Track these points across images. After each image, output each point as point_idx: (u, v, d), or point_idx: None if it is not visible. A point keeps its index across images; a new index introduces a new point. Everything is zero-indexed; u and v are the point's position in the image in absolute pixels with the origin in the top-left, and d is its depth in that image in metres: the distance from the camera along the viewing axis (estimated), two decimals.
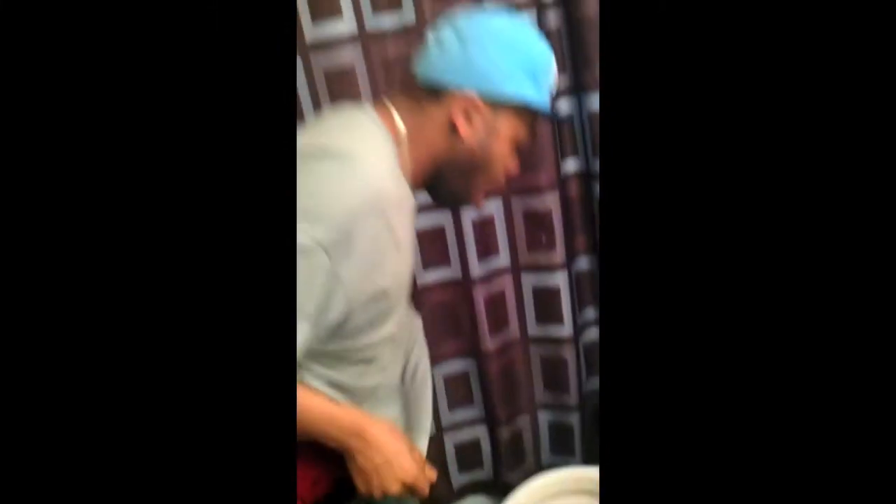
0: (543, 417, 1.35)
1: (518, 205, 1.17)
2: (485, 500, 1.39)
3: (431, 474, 0.74)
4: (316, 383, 0.68)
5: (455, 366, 1.28)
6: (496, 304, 1.24)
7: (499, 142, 0.69)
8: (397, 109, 0.68)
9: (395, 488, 0.69)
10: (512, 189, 1.16)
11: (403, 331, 0.78)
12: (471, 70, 0.66)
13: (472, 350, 1.26)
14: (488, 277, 1.21)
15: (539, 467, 1.36)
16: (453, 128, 0.67)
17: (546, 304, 1.25)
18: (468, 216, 1.16)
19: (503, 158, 0.70)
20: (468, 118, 0.66)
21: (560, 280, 1.21)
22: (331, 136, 0.65)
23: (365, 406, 0.72)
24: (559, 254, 1.19)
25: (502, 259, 1.23)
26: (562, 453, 1.37)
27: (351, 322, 0.64)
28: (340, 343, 0.66)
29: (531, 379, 1.32)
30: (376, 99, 1.05)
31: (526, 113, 0.69)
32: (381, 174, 0.62)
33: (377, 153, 0.64)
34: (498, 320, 1.25)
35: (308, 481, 0.72)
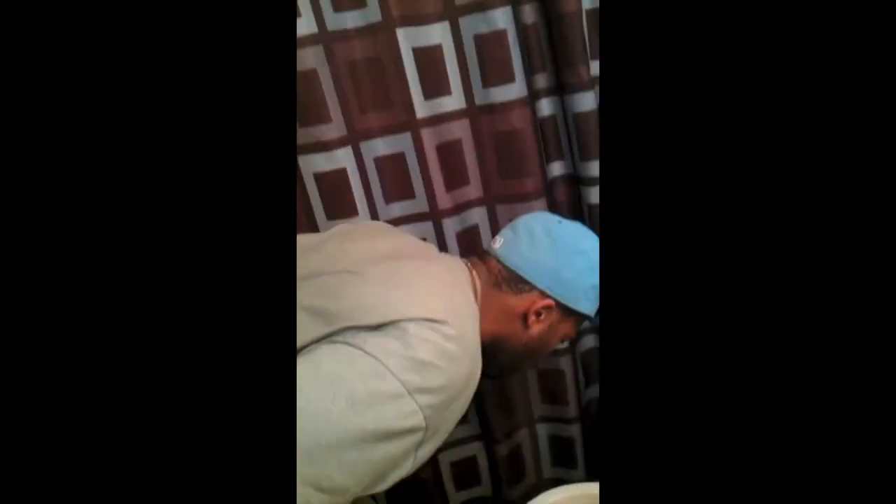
0: (542, 431, 1.29)
1: (504, 213, 1.10)
2: None
3: None
4: None
5: None
6: None
7: (554, 338, 0.78)
8: (475, 277, 0.74)
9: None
10: (497, 198, 1.08)
11: None
12: (558, 279, 0.73)
13: None
14: None
15: (540, 481, 1.30)
16: (525, 319, 0.74)
17: None
18: (451, 225, 1.09)
19: (550, 349, 0.82)
20: (539, 316, 0.74)
21: None
22: (447, 298, 0.66)
23: None
24: None
25: None
26: (563, 466, 1.31)
27: None
28: None
29: (528, 392, 1.26)
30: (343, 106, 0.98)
31: (581, 320, 0.79)
32: (478, 352, 0.67)
33: (476, 330, 0.67)
34: None
35: None
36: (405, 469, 0.60)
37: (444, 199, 1.06)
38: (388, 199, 1.06)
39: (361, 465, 0.55)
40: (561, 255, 0.74)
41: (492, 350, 0.72)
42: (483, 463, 1.29)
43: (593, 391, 1.26)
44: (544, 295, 0.73)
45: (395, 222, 1.05)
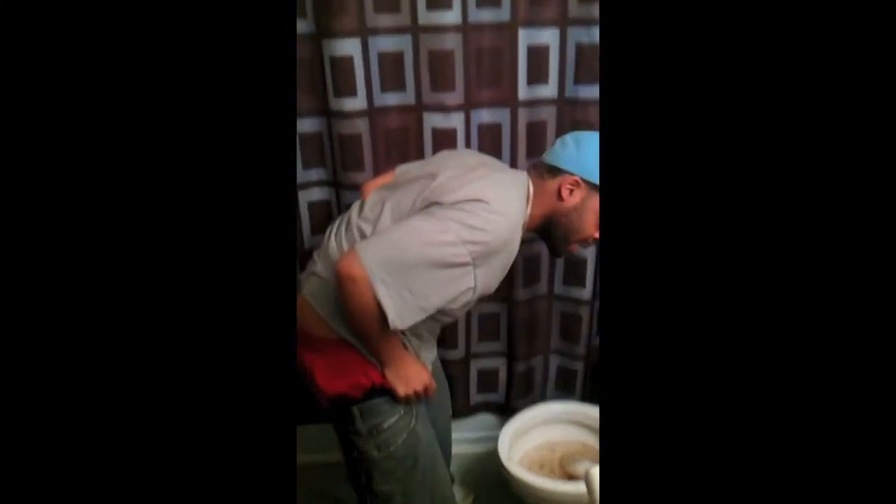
0: (554, 360, 1.63)
1: None
2: (493, 419, 1.69)
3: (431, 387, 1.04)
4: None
5: (489, 307, 1.54)
6: (531, 264, 1.48)
7: (588, 213, 0.99)
8: (531, 178, 1.02)
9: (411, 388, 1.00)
10: None
11: None
12: (579, 162, 0.98)
13: (505, 297, 1.51)
14: (528, 243, 1.45)
15: (543, 399, 1.64)
16: (559, 195, 0.98)
17: (572, 270, 1.49)
18: None
19: (590, 226, 1.00)
20: (570, 191, 0.98)
21: (587, 252, 1.45)
22: (499, 191, 0.95)
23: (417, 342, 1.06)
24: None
25: None
26: (564, 392, 1.64)
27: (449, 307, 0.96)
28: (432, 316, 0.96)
29: (550, 328, 1.58)
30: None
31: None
32: (517, 226, 0.95)
33: (519, 213, 0.96)
34: (531, 277, 1.50)
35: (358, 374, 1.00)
36: (461, 290, 0.91)
37: (523, 164, 1.37)
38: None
39: (433, 282, 0.89)
40: (581, 147, 0.98)
41: (545, 227, 1.01)
42: (502, 376, 1.63)
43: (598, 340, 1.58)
44: (571, 175, 0.97)
45: None
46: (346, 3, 1.18)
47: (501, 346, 1.59)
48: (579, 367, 1.59)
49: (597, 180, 0.97)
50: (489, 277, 0.94)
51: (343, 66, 1.23)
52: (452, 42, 1.23)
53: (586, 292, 1.49)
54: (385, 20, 1.22)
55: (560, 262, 1.50)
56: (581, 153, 0.98)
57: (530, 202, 0.99)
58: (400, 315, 0.88)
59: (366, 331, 0.93)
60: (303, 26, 1.23)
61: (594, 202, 0.98)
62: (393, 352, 0.97)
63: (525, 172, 1.04)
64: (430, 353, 1.10)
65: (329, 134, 1.33)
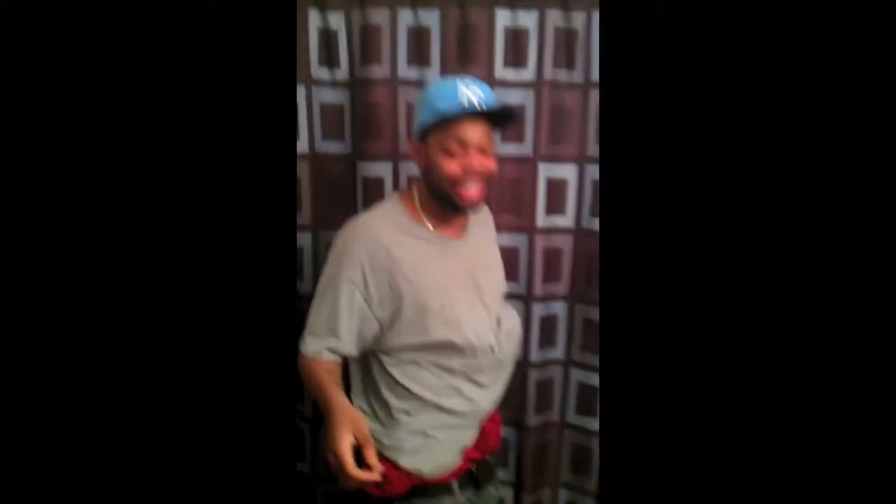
0: (563, 495, 1.55)
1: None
2: None
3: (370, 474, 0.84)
4: None
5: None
6: (543, 389, 1.46)
7: (438, 157, 0.95)
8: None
9: (330, 458, 0.85)
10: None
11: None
12: (412, 129, 1.01)
13: (516, 422, 1.47)
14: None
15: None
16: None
17: (584, 398, 1.46)
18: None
19: (448, 165, 0.94)
20: (415, 153, 1.00)
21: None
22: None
23: None
24: None
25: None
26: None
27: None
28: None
29: (559, 458, 1.52)
30: None
31: (441, 129, 0.94)
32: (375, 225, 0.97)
33: (369, 221, 0.98)
34: (542, 404, 1.47)
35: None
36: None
37: (540, 290, 1.39)
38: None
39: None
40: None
41: (433, 194, 0.98)
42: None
43: None
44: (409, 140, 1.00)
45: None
46: (381, 130, 1.30)
47: (509, 475, 1.53)
48: (590, 503, 1.50)
49: (416, 129, 0.98)
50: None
51: (374, 186, 1.32)
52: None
53: (598, 422, 1.45)
54: None
55: (573, 391, 1.47)
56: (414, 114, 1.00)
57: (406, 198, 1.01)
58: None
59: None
60: (341, 147, 1.34)
61: (434, 145, 0.95)
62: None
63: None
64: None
65: None
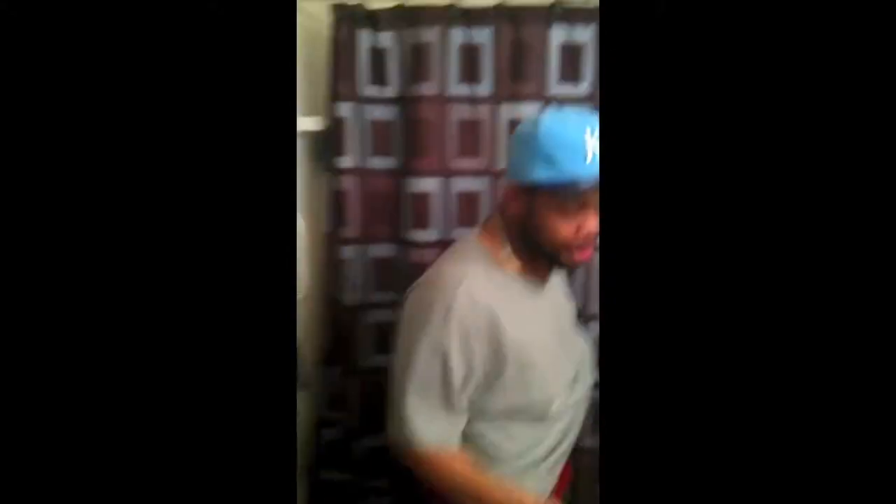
0: None
1: None
2: None
3: None
4: None
5: None
6: None
7: (542, 217, 0.83)
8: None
9: None
10: None
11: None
12: (510, 164, 0.87)
13: None
14: None
15: None
16: (504, 208, 0.89)
17: None
18: None
19: (564, 227, 0.82)
20: (511, 200, 0.87)
21: None
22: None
23: None
24: None
25: None
26: None
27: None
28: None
29: None
30: None
31: (554, 191, 0.80)
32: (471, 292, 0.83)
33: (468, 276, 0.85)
34: None
35: None
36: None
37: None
38: None
39: None
40: (510, 145, 0.87)
41: (523, 244, 0.87)
42: None
43: None
44: (506, 183, 0.87)
45: None
46: (429, 147, 1.29)
47: None
48: None
49: (528, 178, 0.81)
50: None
51: (421, 201, 1.32)
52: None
53: (590, 440, 1.38)
54: (464, 163, 1.32)
55: None
56: (510, 151, 0.87)
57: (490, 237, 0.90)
58: None
59: None
60: (389, 162, 1.35)
61: (543, 202, 0.82)
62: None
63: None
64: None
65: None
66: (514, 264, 0.89)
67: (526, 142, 0.82)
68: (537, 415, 0.89)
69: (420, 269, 1.33)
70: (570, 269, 0.90)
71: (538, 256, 0.88)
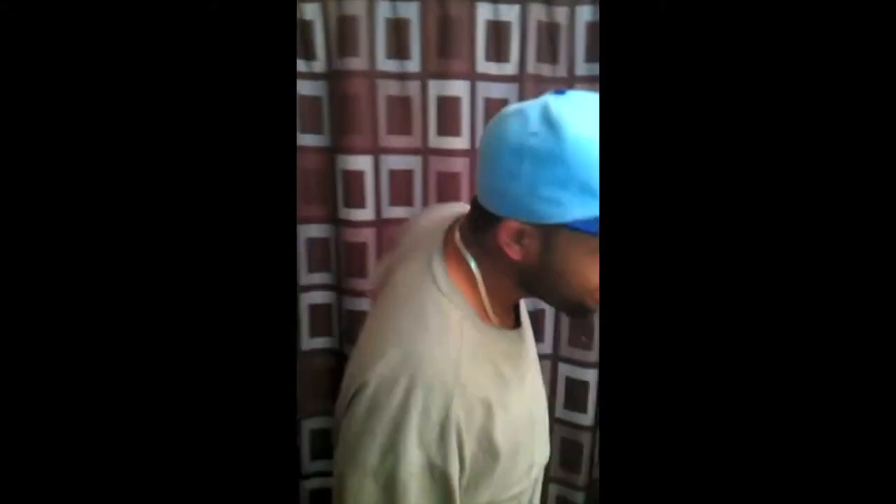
0: (553, 490, 1.53)
1: None
2: None
3: None
4: None
5: None
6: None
7: (581, 259, 0.60)
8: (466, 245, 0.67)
9: None
10: None
11: None
12: (500, 195, 0.60)
13: None
14: None
15: None
16: (504, 253, 0.63)
17: (573, 393, 1.45)
18: None
19: (585, 275, 0.61)
20: (515, 244, 0.61)
21: (589, 376, 1.41)
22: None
23: None
24: None
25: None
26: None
27: None
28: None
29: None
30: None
31: (590, 229, 0.58)
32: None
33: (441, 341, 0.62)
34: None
35: None
36: None
37: None
38: None
39: None
40: (500, 166, 0.59)
41: (524, 286, 0.66)
42: None
43: None
44: (509, 220, 0.60)
45: None
46: (361, 124, 1.27)
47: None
48: (580, 498, 1.49)
49: (557, 220, 0.58)
50: None
51: (353, 179, 1.30)
52: (460, 165, 1.31)
53: (587, 418, 1.44)
54: (397, 141, 1.31)
55: (561, 386, 1.46)
56: (498, 172, 0.61)
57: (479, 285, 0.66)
58: None
59: None
60: (319, 140, 1.32)
61: (558, 240, 0.60)
62: None
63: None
64: None
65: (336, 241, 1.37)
66: (495, 314, 0.68)
67: (540, 164, 0.57)
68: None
69: (357, 249, 1.33)
70: (586, 315, 0.68)
71: (525, 299, 0.72)
